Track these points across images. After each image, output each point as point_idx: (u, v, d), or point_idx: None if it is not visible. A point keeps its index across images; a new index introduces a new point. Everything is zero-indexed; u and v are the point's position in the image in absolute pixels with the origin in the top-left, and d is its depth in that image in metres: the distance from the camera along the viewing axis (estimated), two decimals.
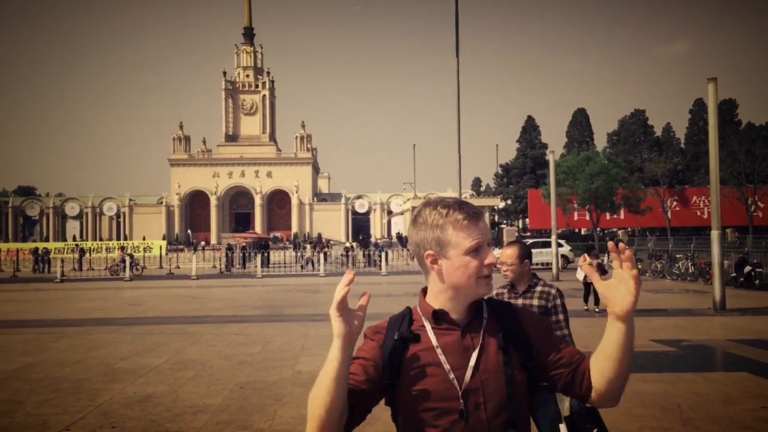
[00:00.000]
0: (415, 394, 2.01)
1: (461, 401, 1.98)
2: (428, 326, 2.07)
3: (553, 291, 4.92)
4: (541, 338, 2.10)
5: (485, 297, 2.13)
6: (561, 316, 4.86)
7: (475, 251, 2.02)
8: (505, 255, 4.96)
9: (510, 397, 2.00)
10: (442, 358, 2.01)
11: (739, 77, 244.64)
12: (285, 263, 46.03)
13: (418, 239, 2.09)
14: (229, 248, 48.63)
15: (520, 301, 4.84)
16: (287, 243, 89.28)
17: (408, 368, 2.03)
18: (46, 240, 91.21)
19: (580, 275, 18.15)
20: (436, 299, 2.08)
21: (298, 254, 50.15)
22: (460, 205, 2.08)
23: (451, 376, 1.99)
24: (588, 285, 18.01)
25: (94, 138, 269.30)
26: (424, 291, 2.15)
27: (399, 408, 2.05)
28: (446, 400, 1.98)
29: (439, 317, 2.06)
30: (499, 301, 2.21)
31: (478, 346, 2.03)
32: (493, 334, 2.06)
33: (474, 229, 2.03)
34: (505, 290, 5.08)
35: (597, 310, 17.40)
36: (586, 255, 17.73)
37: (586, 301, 18.16)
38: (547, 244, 43.26)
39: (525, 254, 4.98)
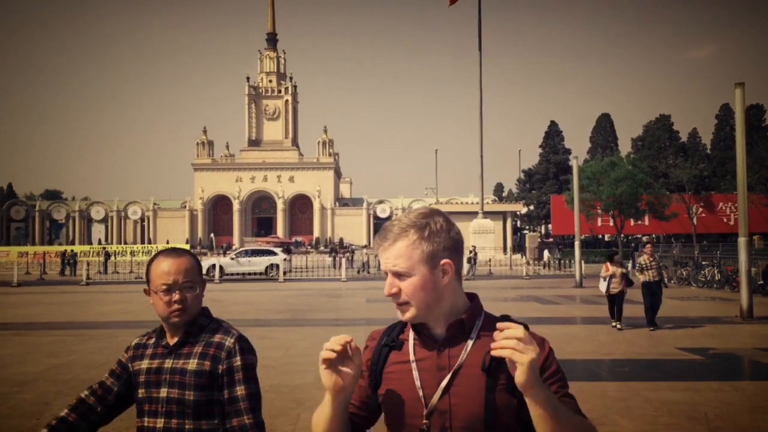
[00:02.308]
0: (388, 404, 1.99)
1: (425, 421, 1.91)
2: (411, 337, 2.03)
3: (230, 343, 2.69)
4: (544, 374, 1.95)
5: (482, 313, 2.04)
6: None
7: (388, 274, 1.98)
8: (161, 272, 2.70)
9: (488, 425, 1.87)
10: (415, 373, 1.96)
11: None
12: (307, 267, 46.12)
13: None
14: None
15: (168, 363, 2.66)
16: (309, 247, 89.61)
17: (387, 376, 2.01)
18: (72, 243, 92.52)
19: (602, 287, 16.01)
20: None
21: (338, 258, 49.03)
22: (386, 227, 2.02)
23: (421, 393, 1.93)
24: (612, 298, 15.62)
25: (120, 143, 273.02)
26: None
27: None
28: (413, 417, 1.93)
29: (418, 331, 2.01)
30: (496, 318, 2.04)
31: (454, 367, 1.92)
32: (478, 354, 1.92)
33: (381, 255, 1.99)
34: (149, 341, 2.80)
35: (620, 327, 15.12)
36: (608, 264, 15.93)
37: (612, 315, 15.65)
38: (259, 252, 41.51)
39: (194, 269, 2.74)
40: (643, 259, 16.09)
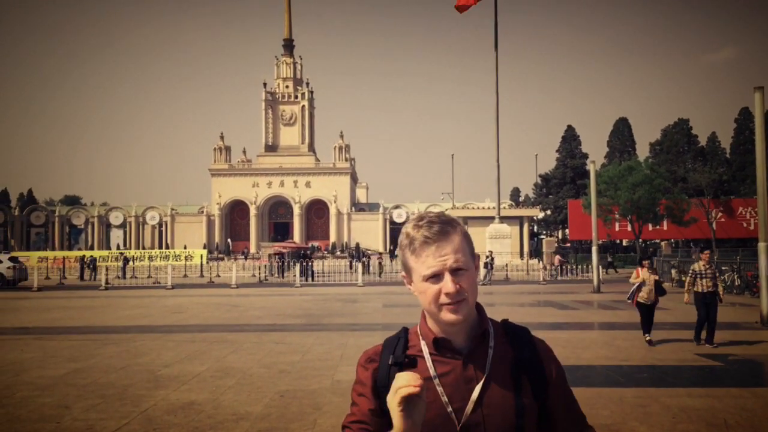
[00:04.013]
0: None
1: None
2: (427, 352, 1.96)
3: None
4: (555, 380, 1.98)
5: (500, 321, 2.05)
6: None
7: (433, 277, 1.88)
8: None
9: (519, 430, 1.88)
10: (440, 389, 1.89)
11: None
12: (324, 272, 46.22)
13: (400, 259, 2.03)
14: (281, 255, 50.01)
15: None
16: (325, 252, 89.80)
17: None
18: (91, 248, 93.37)
19: (630, 296, 14.58)
20: (433, 323, 1.98)
21: (361, 262, 48.81)
22: (421, 225, 1.94)
23: (449, 409, 1.87)
24: (647, 308, 14.03)
25: (138, 149, 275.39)
26: (424, 313, 2.04)
27: None
28: None
29: (440, 345, 1.94)
30: (515, 326, 2.05)
31: (483, 378, 1.90)
32: (503, 363, 1.93)
33: (430, 255, 1.89)
34: None
35: (648, 338, 13.78)
36: (639, 269, 14.53)
37: (646, 330, 13.95)
38: None
39: None
40: (699, 265, 14.09)
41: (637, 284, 14.31)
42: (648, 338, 13.70)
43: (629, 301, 14.67)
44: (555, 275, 45.43)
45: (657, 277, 14.37)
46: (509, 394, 1.89)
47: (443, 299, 1.87)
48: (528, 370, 1.94)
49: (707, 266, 13.99)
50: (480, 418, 1.87)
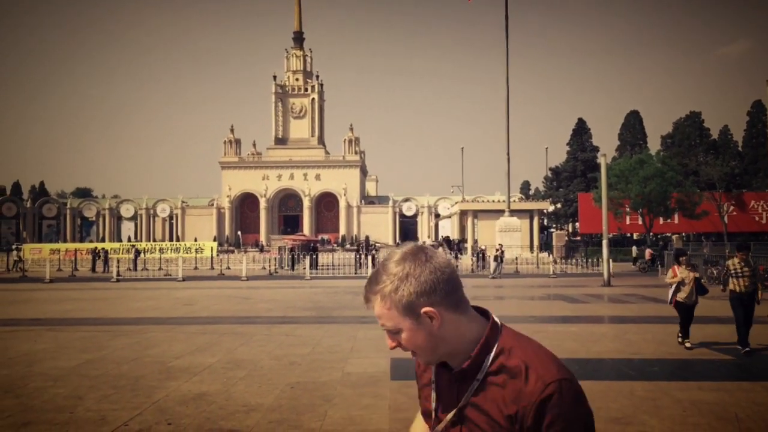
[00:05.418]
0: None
1: None
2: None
3: None
4: (528, 418, 1.79)
5: (493, 345, 1.91)
6: None
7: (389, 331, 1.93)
8: None
9: None
10: (434, 394, 2.04)
11: None
12: (334, 265, 46.32)
13: None
14: (291, 248, 50.52)
15: None
16: (335, 245, 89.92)
17: (419, 380, 2.17)
18: (102, 241, 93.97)
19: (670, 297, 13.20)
20: None
21: (373, 255, 48.69)
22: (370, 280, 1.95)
23: (434, 415, 2.03)
24: (686, 309, 12.77)
25: (149, 141, 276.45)
26: None
27: None
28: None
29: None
30: (531, 379, 1.82)
31: (459, 405, 1.93)
32: (484, 400, 1.89)
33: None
34: None
35: (689, 345, 12.44)
36: (675, 267, 13.08)
37: (683, 333, 12.73)
38: None
39: None
40: (734, 262, 12.71)
41: (675, 284, 12.93)
42: (687, 344, 12.50)
43: (670, 305, 13.20)
44: (645, 269, 43.92)
45: (697, 275, 13.06)
46: (485, 429, 1.87)
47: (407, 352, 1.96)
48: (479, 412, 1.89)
49: (742, 264, 12.60)
50: None
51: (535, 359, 1.84)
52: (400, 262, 1.87)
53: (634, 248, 57.01)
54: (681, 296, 12.80)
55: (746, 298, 12.48)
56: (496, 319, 1.98)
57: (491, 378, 1.87)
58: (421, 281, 1.84)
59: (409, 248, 1.92)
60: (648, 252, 47.91)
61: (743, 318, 12.31)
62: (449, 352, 1.93)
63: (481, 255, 47.98)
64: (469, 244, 62.47)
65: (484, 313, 1.99)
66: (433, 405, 2.01)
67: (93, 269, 47.92)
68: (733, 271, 12.64)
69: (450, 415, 1.94)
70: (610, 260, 32.26)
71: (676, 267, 13.05)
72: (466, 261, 52.01)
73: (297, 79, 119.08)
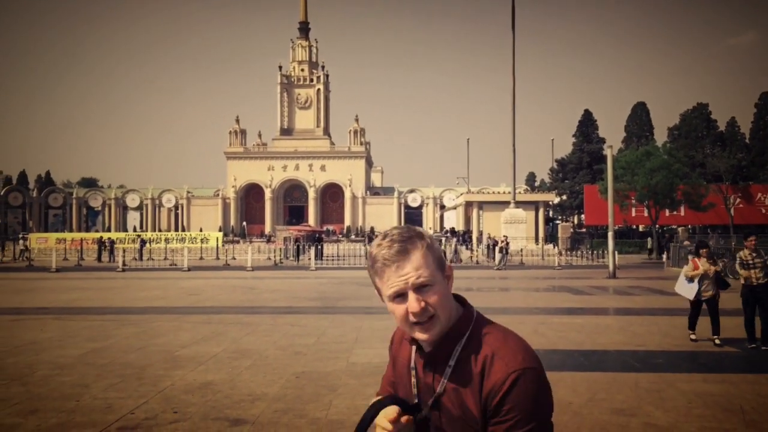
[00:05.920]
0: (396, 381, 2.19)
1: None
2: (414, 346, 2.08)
3: None
4: (491, 405, 1.82)
5: (468, 329, 1.95)
6: None
7: (399, 297, 1.88)
8: None
9: None
10: (414, 380, 2.05)
11: None
12: (339, 256, 46.38)
13: None
14: (296, 239, 50.93)
15: None
16: (340, 236, 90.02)
17: (394, 359, 2.20)
18: (108, 230, 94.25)
19: (682, 289, 12.65)
20: None
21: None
22: (382, 245, 1.91)
23: (416, 400, 2.04)
24: (698, 304, 12.37)
25: (155, 132, 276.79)
26: None
27: None
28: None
29: (416, 342, 2.03)
30: (502, 355, 1.86)
31: (436, 393, 1.95)
32: (459, 384, 1.90)
33: (392, 275, 1.87)
34: None
35: (718, 342, 11.94)
36: (695, 260, 12.41)
37: (692, 326, 12.44)
38: None
39: None
40: (744, 253, 12.13)
41: (695, 277, 12.27)
42: (692, 336, 12.36)
43: (692, 300, 12.43)
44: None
45: (718, 268, 12.46)
46: (458, 415, 1.90)
47: (411, 318, 1.88)
48: (466, 383, 1.90)
49: (753, 254, 12.02)
50: (438, 419, 1.97)
51: (504, 348, 1.86)
52: (417, 228, 2.02)
53: (649, 240, 57.55)
54: (704, 292, 12.22)
55: (760, 291, 11.89)
56: (472, 307, 2.03)
57: (462, 364, 1.90)
58: (437, 244, 1.97)
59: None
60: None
61: (752, 313, 11.93)
62: (441, 330, 1.94)
63: (491, 246, 47.23)
64: (474, 236, 62.41)
65: (461, 301, 2.03)
66: (414, 391, 2.03)
67: (99, 259, 48.07)
68: (745, 262, 12.03)
69: (430, 402, 1.97)
70: (616, 252, 32.21)
71: (696, 260, 12.38)
72: (478, 254, 50.01)
73: (302, 70, 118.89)
